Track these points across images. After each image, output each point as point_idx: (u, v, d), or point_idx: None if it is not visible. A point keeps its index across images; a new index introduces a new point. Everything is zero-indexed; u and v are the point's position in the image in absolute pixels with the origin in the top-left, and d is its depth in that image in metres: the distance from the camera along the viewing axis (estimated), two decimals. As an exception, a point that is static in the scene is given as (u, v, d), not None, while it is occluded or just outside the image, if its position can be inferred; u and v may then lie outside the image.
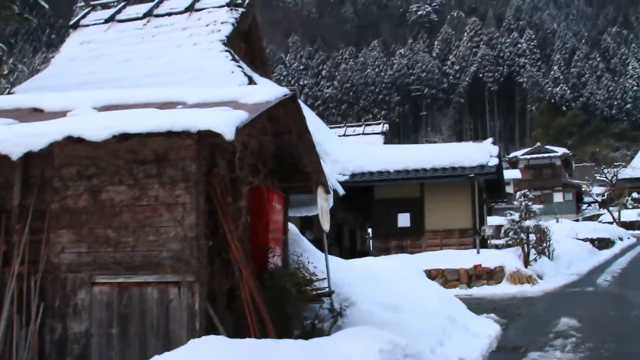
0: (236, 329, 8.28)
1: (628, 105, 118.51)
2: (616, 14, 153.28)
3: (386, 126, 69.22)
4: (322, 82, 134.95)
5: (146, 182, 7.58)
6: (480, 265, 21.73)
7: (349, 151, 27.82)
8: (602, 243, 37.45)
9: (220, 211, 8.09)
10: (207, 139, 7.30)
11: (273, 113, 9.20)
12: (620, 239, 41.23)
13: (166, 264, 7.42)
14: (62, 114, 8.46)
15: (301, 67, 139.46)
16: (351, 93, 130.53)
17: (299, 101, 9.75)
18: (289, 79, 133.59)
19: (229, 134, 7.01)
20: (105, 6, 32.90)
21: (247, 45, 30.36)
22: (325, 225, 11.10)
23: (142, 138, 7.34)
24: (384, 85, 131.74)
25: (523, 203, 24.31)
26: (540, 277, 22.39)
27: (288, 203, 11.14)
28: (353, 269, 12.07)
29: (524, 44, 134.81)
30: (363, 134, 64.39)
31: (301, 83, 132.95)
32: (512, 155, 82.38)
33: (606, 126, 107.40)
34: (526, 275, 21.25)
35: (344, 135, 63.68)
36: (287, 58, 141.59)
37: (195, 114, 7.50)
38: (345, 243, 30.86)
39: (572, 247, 30.38)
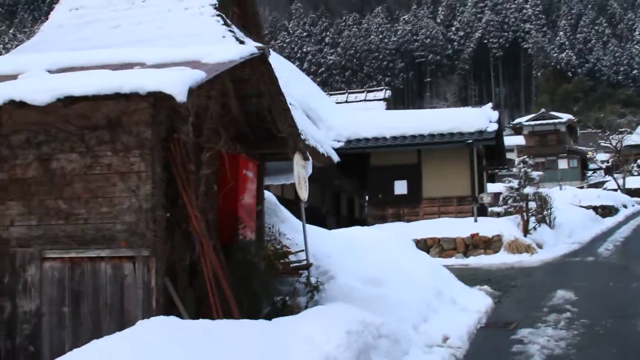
0: (199, 307, 7.75)
1: (635, 72, 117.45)
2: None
3: (388, 92, 68.48)
4: (325, 49, 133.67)
5: (98, 149, 7.01)
6: (477, 234, 21.11)
7: (345, 117, 27.17)
8: (606, 210, 36.85)
9: (180, 180, 7.51)
10: (163, 102, 6.73)
11: (239, 74, 8.57)
12: (625, 206, 40.60)
13: (120, 238, 6.88)
14: (12, 77, 7.84)
15: (304, 34, 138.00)
16: (355, 60, 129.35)
17: (270, 61, 9.09)
18: (292, 45, 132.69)
19: (180, 94, 6.44)
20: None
21: (240, 10, 29.58)
22: (304, 193, 10.50)
23: (93, 102, 6.78)
24: (387, 51, 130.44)
25: (522, 170, 23.59)
26: (540, 246, 21.79)
27: (263, 171, 10.53)
28: (336, 240, 11.51)
29: (530, 10, 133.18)
30: (365, 100, 63.64)
31: (304, 50, 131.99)
32: (516, 121, 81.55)
33: (613, 92, 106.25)
34: (525, 244, 20.63)
35: (346, 102, 62.94)
36: (290, 25, 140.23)
37: (144, 74, 6.90)
38: (343, 211, 30.36)
39: (574, 215, 29.77)
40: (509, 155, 31.10)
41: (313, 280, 9.67)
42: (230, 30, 25.79)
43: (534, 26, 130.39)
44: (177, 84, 6.50)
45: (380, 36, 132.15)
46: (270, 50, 27.31)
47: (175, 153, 7.48)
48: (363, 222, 25.70)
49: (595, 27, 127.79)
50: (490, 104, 27.14)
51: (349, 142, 25.32)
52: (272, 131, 9.82)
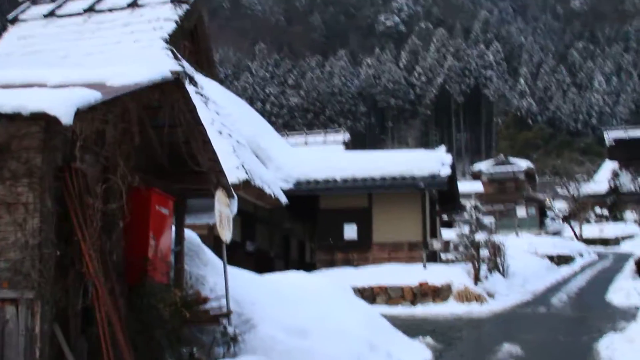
0: (92, 358, 6.81)
1: (593, 120, 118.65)
2: (583, 29, 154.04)
3: (347, 135, 68.13)
4: (288, 91, 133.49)
5: (-17, 176, 6.15)
6: (426, 282, 20.21)
7: (296, 158, 26.37)
8: (562, 259, 36.24)
9: (74, 214, 6.60)
10: (56, 125, 5.91)
11: (148, 99, 7.75)
12: (581, 255, 40.06)
13: (2, 277, 6.03)
14: None
15: (267, 75, 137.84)
16: (317, 102, 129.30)
17: (187, 88, 8.27)
18: (255, 87, 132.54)
19: (65, 116, 5.67)
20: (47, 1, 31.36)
21: (193, 45, 28.91)
22: (226, 234, 9.61)
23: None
24: (350, 95, 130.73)
25: (474, 215, 22.91)
26: (491, 296, 21.00)
27: (184, 208, 9.63)
28: (265, 285, 10.59)
29: (491, 57, 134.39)
30: (324, 142, 63.20)
31: (267, 91, 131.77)
32: (475, 168, 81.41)
33: (572, 140, 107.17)
34: (475, 293, 19.78)
35: (305, 143, 62.45)
36: (254, 66, 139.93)
37: (28, 93, 6.05)
38: (293, 255, 29.39)
39: (529, 264, 29.06)
40: (468, 202, 30.41)
41: (231, 330, 8.78)
42: (180, 65, 25.01)
43: (495, 73, 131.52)
44: (62, 104, 5.72)
45: (343, 79, 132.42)
46: (215, 82, 26.42)
47: (70, 184, 6.60)
48: (313, 267, 24.83)
49: (556, 76, 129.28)
50: (443, 147, 26.55)
51: (299, 183, 24.49)
52: (193, 165, 8.99)
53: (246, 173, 20.56)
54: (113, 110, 7.38)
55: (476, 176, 77.15)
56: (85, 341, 6.81)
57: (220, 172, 9.47)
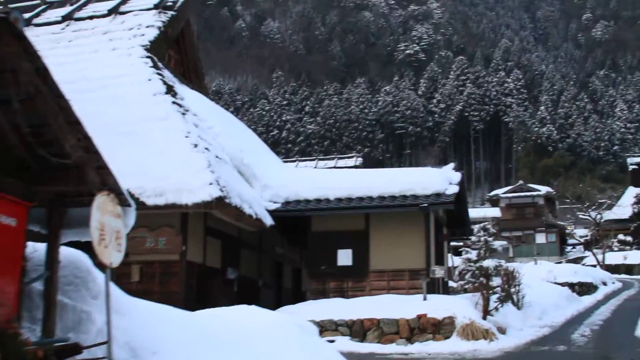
0: None
1: (615, 147, 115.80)
2: (604, 57, 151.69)
3: (360, 159, 65.77)
4: (304, 118, 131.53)
5: None
6: (425, 314, 17.40)
7: (286, 176, 23.86)
8: (584, 288, 33.55)
9: None
10: None
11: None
12: (604, 283, 37.30)
13: None
14: None
15: (284, 102, 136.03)
16: (334, 129, 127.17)
17: (28, 39, 5.82)
18: (272, 113, 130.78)
19: None
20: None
21: (178, 55, 26.71)
22: (111, 255, 7.03)
23: None
24: (367, 122, 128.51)
25: (482, 238, 20.06)
26: (502, 331, 18.22)
27: (60, 218, 7.12)
28: (188, 325, 8.03)
29: (511, 84, 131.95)
30: (335, 167, 60.70)
31: (284, 118, 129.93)
32: (492, 193, 78.76)
33: (593, 168, 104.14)
34: (482, 328, 16.90)
35: (315, 168, 60.00)
36: (271, 93, 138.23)
37: None
38: (286, 284, 26.85)
39: (547, 293, 26.37)
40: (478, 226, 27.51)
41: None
42: (159, 73, 22.87)
43: (515, 100, 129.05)
44: None
45: (360, 106, 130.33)
46: (197, 92, 24.16)
47: None
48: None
49: (577, 103, 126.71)
50: (452, 165, 23.93)
51: (287, 203, 21.89)
52: (64, 159, 6.47)
53: (221, 190, 18.09)
54: None
55: (494, 202, 74.44)
56: None
57: (103, 169, 6.95)
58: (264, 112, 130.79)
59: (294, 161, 68.93)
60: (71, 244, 7.81)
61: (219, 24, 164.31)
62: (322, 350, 9.27)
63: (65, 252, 7.52)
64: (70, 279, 7.38)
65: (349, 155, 68.83)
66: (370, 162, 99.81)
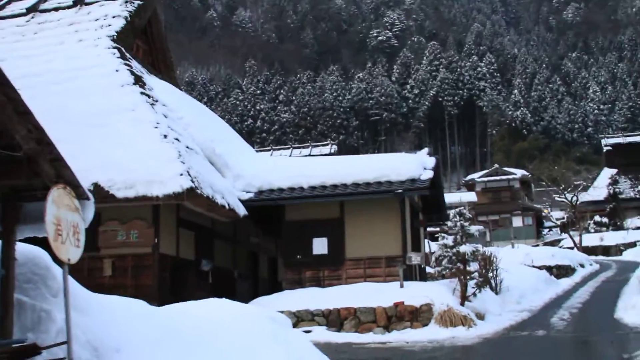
0: None
1: (589, 129, 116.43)
2: (576, 39, 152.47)
3: (334, 147, 65.57)
4: (279, 107, 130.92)
5: None
6: (402, 302, 17.14)
7: (260, 165, 23.51)
8: (561, 271, 33.51)
9: None
10: None
11: None
12: (582, 265, 37.31)
13: None
14: None
15: (258, 91, 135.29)
16: (309, 118, 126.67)
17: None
18: (245, 103, 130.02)
19: None
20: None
21: (147, 45, 26.23)
22: (69, 251, 6.66)
23: None
24: (342, 109, 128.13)
25: (458, 223, 19.81)
26: (481, 317, 18.04)
27: (16, 214, 6.76)
28: (153, 321, 7.69)
29: (484, 68, 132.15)
30: (310, 155, 60.49)
31: (258, 107, 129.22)
32: (468, 177, 78.82)
33: (568, 150, 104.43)
34: (460, 315, 16.66)
35: (290, 156, 59.76)
36: (244, 82, 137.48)
37: None
38: (262, 274, 26.52)
39: (525, 277, 26.24)
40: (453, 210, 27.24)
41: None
42: (127, 64, 22.40)
43: (489, 84, 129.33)
44: None
45: (334, 94, 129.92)
46: (167, 82, 23.74)
47: None
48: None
49: (550, 86, 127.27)
50: (426, 149, 23.65)
51: (260, 192, 21.53)
52: (15, 151, 6.10)
53: (192, 181, 17.72)
54: None
55: (470, 187, 74.46)
56: None
57: (58, 161, 6.57)
58: (237, 102, 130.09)
59: (268, 150, 68.54)
60: (30, 240, 7.44)
61: (190, 14, 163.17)
62: (295, 343, 8.97)
63: (23, 249, 7.16)
64: (28, 277, 7.03)
65: (324, 143, 68.66)
66: (345, 150, 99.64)
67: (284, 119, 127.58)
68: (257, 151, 43.35)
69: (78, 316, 6.79)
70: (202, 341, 7.56)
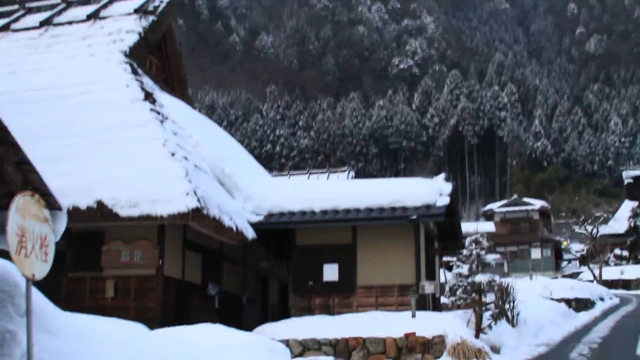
0: None
1: (610, 162, 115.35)
2: (598, 71, 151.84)
3: (352, 173, 64.79)
4: (298, 133, 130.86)
5: None
6: (413, 333, 16.35)
7: (271, 187, 22.87)
8: (581, 304, 32.55)
9: None
10: None
11: None
12: (602, 299, 36.33)
13: None
14: None
15: (278, 117, 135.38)
16: (328, 144, 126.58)
17: None
18: (265, 128, 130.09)
19: None
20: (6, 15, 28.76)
21: (160, 62, 25.83)
22: (34, 266, 6.02)
23: None
24: (361, 136, 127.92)
25: (474, 252, 19.01)
26: (496, 350, 17.20)
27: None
28: (130, 346, 7.01)
29: (505, 98, 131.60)
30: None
31: (277, 133, 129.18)
32: (487, 207, 77.83)
33: (588, 182, 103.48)
34: (475, 348, 15.82)
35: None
36: (264, 107, 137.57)
37: None
38: (272, 299, 25.80)
39: (543, 310, 25.33)
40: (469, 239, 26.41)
41: None
42: (138, 80, 21.94)
43: (510, 114, 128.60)
44: None
45: (354, 121, 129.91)
46: (180, 100, 23.29)
47: None
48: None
49: (571, 117, 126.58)
50: (443, 175, 22.92)
51: (271, 215, 20.85)
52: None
53: (198, 201, 17.10)
54: None
55: (488, 217, 73.49)
56: None
57: (25, 165, 5.94)
58: (257, 127, 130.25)
59: (286, 175, 68.00)
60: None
61: (213, 39, 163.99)
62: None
63: (-11, 264, 6.55)
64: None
65: (342, 169, 67.90)
66: (363, 177, 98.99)
67: (303, 145, 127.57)
68: (274, 176, 42.76)
69: (47, 338, 6.14)
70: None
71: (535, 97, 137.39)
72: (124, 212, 17.32)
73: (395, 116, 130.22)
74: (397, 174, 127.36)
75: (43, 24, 26.24)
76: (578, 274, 55.90)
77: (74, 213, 17.46)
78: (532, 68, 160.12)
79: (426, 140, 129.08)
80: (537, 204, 73.06)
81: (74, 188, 17.63)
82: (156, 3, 25.23)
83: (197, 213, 17.00)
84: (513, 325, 20.69)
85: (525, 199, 75.53)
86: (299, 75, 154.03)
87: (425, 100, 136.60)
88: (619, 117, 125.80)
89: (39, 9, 28.09)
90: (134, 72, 22.29)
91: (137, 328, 8.29)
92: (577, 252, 62.82)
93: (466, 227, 45.79)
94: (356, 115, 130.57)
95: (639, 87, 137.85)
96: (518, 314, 21.34)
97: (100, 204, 17.41)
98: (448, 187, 21.39)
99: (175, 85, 26.18)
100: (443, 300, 23.76)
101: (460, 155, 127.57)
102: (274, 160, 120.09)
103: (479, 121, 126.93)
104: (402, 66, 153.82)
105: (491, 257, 20.52)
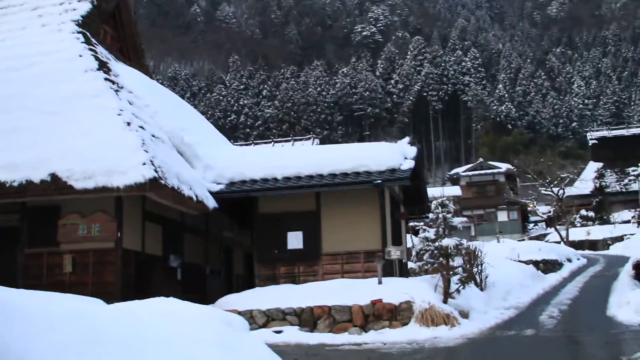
0: None
1: (574, 124, 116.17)
2: (560, 34, 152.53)
3: (317, 141, 64.30)
4: (262, 102, 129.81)
5: None
6: (380, 300, 15.99)
7: (233, 156, 22.32)
8: (548, 265, 32.44)
9: None
10: None
11: None
12: (569, 260, 36.29)
13: None
14: None
15: (241, 86, 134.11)
16: (292, 113, 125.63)
17: None
18: (229, 98, 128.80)
19: None
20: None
21: (115, 31, 24.96)
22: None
23: None
24: (326, 104, 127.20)
25: (440, 215, 18.63)
26: (465, 315, 16.91)
27: None
28: (77, 324, 6.48)
29: (469, 63, 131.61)
30: (292, 149, 59.09)
31: (241, 103, 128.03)
32: (453, 171, 77.89)
33: (552, 144, 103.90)
34: (443, 313, 15.48)
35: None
36: (228, 78, 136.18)
37: None
38: (237, 269, 25.34)
39: (511, 272, 25.11)
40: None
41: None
42: (91, 49, 21.13)
43: (474, 79, 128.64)
44: None
45: (318, 89, 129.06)
46: (136, 69, 22.57)
47: None
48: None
49: (535, 80, 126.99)
50: (407, 138, 22.51)
51: (232, 184, 20.32)
52: None
53: (155, 171, 16.51)
54: None
55: (454, 181, 73.57)
56: None
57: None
58: (221, 97, 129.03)
59: (250, 144, 67.36)
60: None
61: (174, 10, 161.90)
62: (248, 350, 7.82)
63: None
64: None
65: (306, 137, 67.38)
66: (328, 144, 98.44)
67: (268, 114, 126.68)
68: (239, 146, 42.10)
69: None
70: (131, 351, 6.39)
71: (499, 62, 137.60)
72: (79, 184, 16.71)
73: (359, 83, 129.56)
74: (362, 140, 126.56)
75: (-9, -5, 25.23)
76: (545, 235, 56.01)
77: (28, 187, 16.90)
78: (495, 32, 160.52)
79: (391, 106, 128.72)
80: (503, 167, 73.25)
81: (28, 161, 17.13)
82: (109, -30, 24.35)
83: (154, 183, 16.43)
84: (481, 289, 20.45)
85: (491, 163, 75.67)
86: (262, 45, 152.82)
87: (389, 67, 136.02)
88: (582, 80, 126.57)
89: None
90: (87, 41, 21.47)
91: (90, 303, 7.73)
92: (543, 214, 63.01)
93: (432, 191, 45.59)
94: (320, 84, 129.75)
95: (601, 49, 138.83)
96: (486, 278, 21.10)
97: (54, 176, 16.80)
98: (412, 150, 21.04)
99: (132, 55, 25.38)
100: (410, 265, 23.48)
101: (425, 120, 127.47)
102: (238, 130, 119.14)
103: (443, 86, 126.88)
104: (365, 33, 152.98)
105: (458, 220, 20.26)
